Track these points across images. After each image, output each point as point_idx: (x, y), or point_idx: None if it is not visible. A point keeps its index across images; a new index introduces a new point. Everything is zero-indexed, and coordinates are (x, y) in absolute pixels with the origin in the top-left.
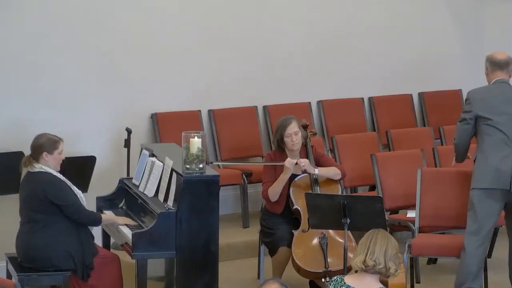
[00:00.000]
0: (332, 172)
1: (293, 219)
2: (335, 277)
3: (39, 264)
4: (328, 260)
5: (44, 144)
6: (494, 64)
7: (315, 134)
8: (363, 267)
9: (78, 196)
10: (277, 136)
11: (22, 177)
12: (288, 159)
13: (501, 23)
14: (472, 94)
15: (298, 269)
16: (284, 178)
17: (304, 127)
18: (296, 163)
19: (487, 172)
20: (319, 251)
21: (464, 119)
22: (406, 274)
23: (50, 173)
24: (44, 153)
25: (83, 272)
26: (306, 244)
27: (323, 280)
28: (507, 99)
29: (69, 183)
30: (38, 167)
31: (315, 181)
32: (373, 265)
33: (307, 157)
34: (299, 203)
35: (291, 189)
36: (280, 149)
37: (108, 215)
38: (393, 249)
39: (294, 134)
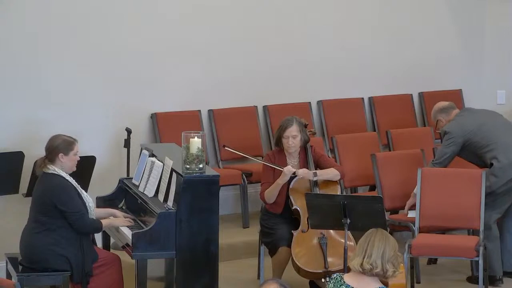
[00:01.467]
0: (331, 174)
1: (293, 219)
2: (335, 275)
3: (36, 264)
4: (328, 260)
5: (59, 146)
6: (447, 109)
7: (314, 133)
8: (361, 270)
9: (87, 203)
10: (276, 134)
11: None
12: (288, 167)
13: (501, 23)
14: (452, 128)
15: (298, 269)
16: (280, 183)
17: (304, 126)
18: (294, 173)
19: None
20: (319, 251)
21: (443, 158)
22: (406, 274)
23: (61, 177)
24: (60, 155)
25: (82, 279)
26: (306, 244)
27: (323, 280)
28: (483, 113)
29: (79, 189)
30: (52, 169)
31: (314, 182)
32: (370, 268)
33: (306, 158)
34: (298, 203)
35: (290, 189)
36: (280, 149)
37: (106, 220)
38: (391, 250)
39: (291, 137)
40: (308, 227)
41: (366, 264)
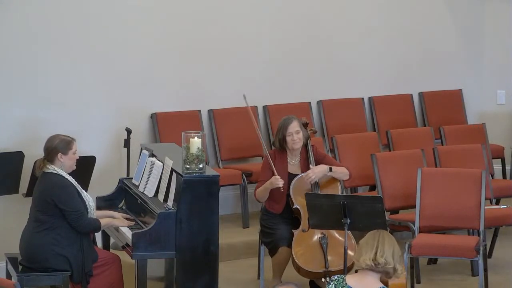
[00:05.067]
0: (343, 172)
1: (293, 219)
2: (336, 277)
3: (36, 264)
4: (328, 260)
5: (58, 146)
6: None
7: (315, 132)
8: (372, 264)
9: (87, 202)
10: (279, 135)
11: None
12: (277, 177)
13: (501, 23)
14: None
15: (298, 268)
16: (268, 187)
17: (304, 125)
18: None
19: None
20: (319, 251)
21: None
22: (406, 275)
23: (61, 176)
24: (59, 154)
25: (81, 279)
26: (306, 243)
27: (323, 280)
28: None
29: (79, 188)
30: (52, 168)
31: (316, 182)
32: (384, 263)
33: (307, 157)
34: (298, 202)
35: (291, 188)
36: (282, 149)
37: (106, 219)
38: (399, 252)
39: (295, 133)
40: (309, 226)
41: (380, 258)
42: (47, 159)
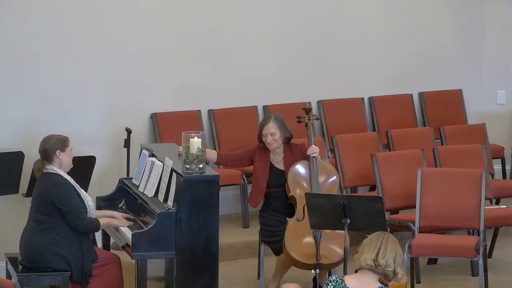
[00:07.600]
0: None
1: (288, 215)
2: (334, 277)
3: (36, 264)
4: (320, 253)
5: (55, 144)
6: None
7: (317, 119)
8: (373, 264)
9: (86, 202)
10: (258, 132)
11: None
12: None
13: (501, 23)
14: None
15: (289, 257)
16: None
17: (306, 111)
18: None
19: None
20: (312, 243)
21: None
22: (406, 274)
23: (60, 176)
24: (57, 151)
25: (81, 279)
26: (300, 233)
27: (312, 271)
28: None
29: (78, 188)
30: (50, 168)
31: (315, 169)
32: (384, 265)
33: (291, 156)
34: (295, 191)
35: (289, 176)
36: (264, 146)
37: (105, 218)
38: (401, 256)
39: (269, 135)
40: (304, 215)
41: (381, 259)
42: (45, 159)
